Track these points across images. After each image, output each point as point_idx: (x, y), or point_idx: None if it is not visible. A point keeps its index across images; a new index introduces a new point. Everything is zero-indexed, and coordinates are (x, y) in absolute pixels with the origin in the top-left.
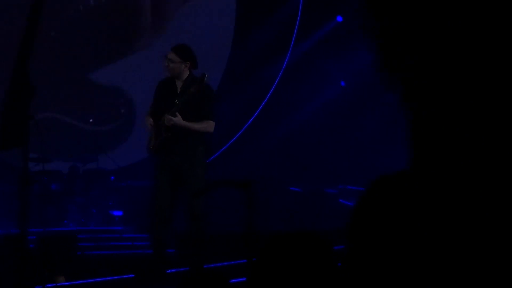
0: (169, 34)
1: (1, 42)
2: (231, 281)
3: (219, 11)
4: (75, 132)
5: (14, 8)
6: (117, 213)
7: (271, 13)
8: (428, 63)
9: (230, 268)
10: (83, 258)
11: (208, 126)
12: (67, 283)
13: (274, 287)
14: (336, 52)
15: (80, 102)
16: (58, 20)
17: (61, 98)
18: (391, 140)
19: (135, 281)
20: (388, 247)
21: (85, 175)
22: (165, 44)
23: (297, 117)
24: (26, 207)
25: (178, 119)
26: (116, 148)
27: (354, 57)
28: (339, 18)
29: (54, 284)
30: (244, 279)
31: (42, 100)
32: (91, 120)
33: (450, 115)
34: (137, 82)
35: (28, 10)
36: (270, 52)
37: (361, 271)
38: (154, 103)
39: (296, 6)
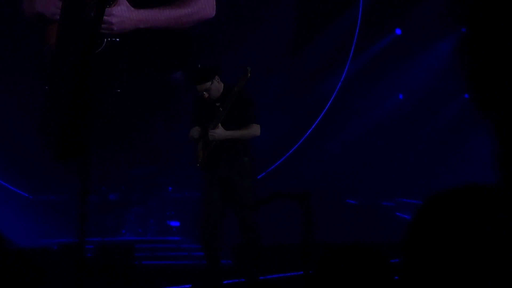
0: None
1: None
2: None
3: (278, 22)
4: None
5: None
6: (174, 223)
7: (330, 25)
8: None
9: (286, 280)
10: (140, 268)
11: (254, 130)
12: None
13: None
14: (395, 65)
15: None
16: None
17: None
18: (449, 154)
19: None
20: (445, 262)
21: (143, 186)
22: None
23: (354, 129)
24: (84, 217)
25: (219, 132)
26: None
27: (412, 69)
28: (398, 31)
29: None
30: None
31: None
32: None
33: None
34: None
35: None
36: (329, 64)
37: (417, 286)
38: (195, 116)
39: (355, 18)
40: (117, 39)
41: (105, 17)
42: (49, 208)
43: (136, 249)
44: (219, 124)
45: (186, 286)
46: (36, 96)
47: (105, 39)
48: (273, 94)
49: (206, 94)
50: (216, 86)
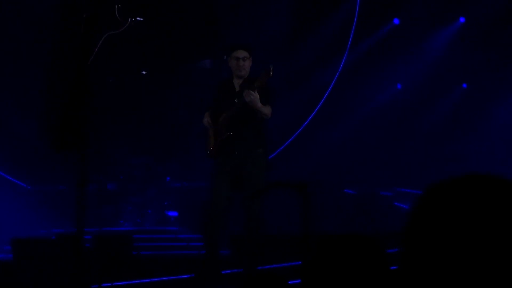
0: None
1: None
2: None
3: (276, 13)
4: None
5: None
6: (173, 213)
7: (328, 16)
8: None
9: (285, 270)
10: (138, 258)
11: (267, 109)
12: (123, 282)
13: None
14: (393, 55)
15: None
16: None
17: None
18: (447, 143)
19: (190, 281)
20: (444, 253)
21: (141, 176)
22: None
23: (353, 120)
24: (82, 207)
25: (257, 96)
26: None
27: (410, 59)
28: (396, 21)
29: (110, 284)
30: (299, 281)
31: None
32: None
33: None
34: (195, 87)
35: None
36: (327, 54)
37: (416, 276)
38: (213, 103)
39: (353, 8)
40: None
41: (250, 91)
42: (47, 199)
43: (134, 239)
44: (256, 90)
45: (185, 276)
46: (35, 88)
47: (130, 19)
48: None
49: (242, 62)
50: (249, 65)
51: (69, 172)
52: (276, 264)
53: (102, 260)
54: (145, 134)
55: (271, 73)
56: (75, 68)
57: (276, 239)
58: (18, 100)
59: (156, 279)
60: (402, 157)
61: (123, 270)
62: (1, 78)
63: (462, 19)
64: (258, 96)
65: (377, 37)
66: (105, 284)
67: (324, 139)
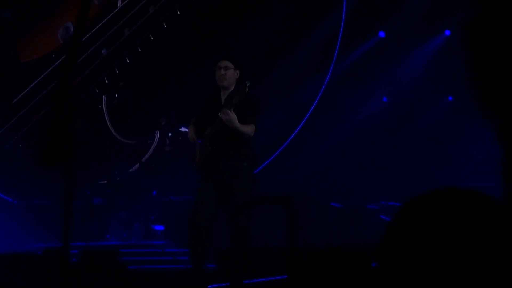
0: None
1: None
2: None
3: (263, 25)
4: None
5: None
6: (159, 227)
7: (313, 29)
8: None
9: (271, 284)
10: (125, 272)
11: (250, 129)
12: None
13: None
14: (378, 68)
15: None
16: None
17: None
18: (433, 156)
19: None
20: (422, 264)
21: (127, 190)
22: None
23: (339, 133)
24: (69, 222)
25: (234, 116)
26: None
27: (396, 72)
28: (382, 34)
29: None
30: None
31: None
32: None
33: None
34: (180, 99)
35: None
36: (312, 67)
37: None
38: (199, 115)
39: (339, 21)
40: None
41: (227, 110)
42: (33, 213)
43: (121, 253)
44: (232, 110)
45: None
46: (21, 103)
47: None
48: (256, 98)
49: (222, 71)
50: (233, 75)
51: (55, 186)
52: (262, 278)
53: (88, 274)
54: (131, 147)
55: (247, 90)
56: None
57: (262, 253)
58: (4, 115)
59: None
60: (388, 170)
61: (110, 285)
62: None
63: (447, 32)
64: (235, 116)
65: (362, 50)
66: None
67: (310, 153)
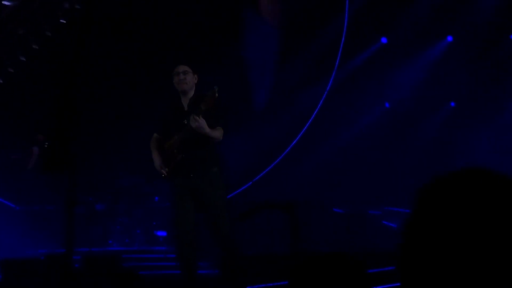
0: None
1: None
2: None
3: (264, 31)
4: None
5: None
6: (161, 233)
7: (316, 35)
8: None
9: None
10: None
11: (218, 133)
12: None
13: None
14: (381, 74)
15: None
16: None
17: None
18: (435, 162)
19: None
20: (444, 248)
21: (129, 196)
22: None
23: (341, 139)
24: (71, 228)
25: (204, 122)
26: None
27: (398, 78)
28: (384, 40)
29: None
30: None
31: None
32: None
33: None
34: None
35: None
36: (315, 73)
37: (415, 271)
38: (161, 126)
39: (341, 27)
40: None
41: (196, 116)
42: (36, 219)
43: (123, 259)
44: (200, 116)
45: None
46: (24, 109)
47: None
48: (260, 103)
49: (182, 76)
50: (193, 80)
51: (57, 192)
52: (264, 283)
53: (90, 280)
54: (134, 154)
55: (217, 94)
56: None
57: (264, 258)
58: (7, 122)
59: None
60: (390, 176)
61: None
62: None
63: (449, 38)
64: (204, 121)
65: (365, 56)
66: None
67: (312, 158)
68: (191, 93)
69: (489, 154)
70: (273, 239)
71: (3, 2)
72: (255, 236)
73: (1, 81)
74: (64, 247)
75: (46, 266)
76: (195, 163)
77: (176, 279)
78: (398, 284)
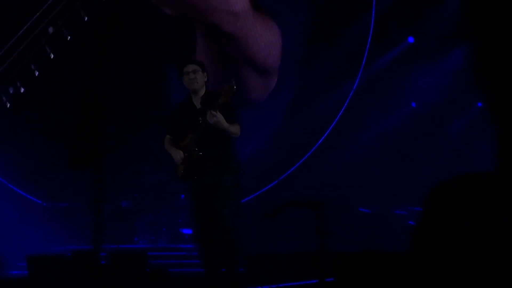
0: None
1: None
2: None
3: (290, 30)
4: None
5: None
6: (187, 231)
7: (342, 34)
8: None
9: None
10: (153, 275)
11: (237, 128)
12: None
13: None
14: (407, 73)
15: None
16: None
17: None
18: (461, 162)
19: None
20: (453, 248)
21: (155, 194)
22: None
23: (367, 138)
24: (99, 225)
25: (222, 117)
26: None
27: (425, 78)
28: (411, 39)
29: None
30: None
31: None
32: None
33: None
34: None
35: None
36: (342, 72)
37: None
38: (173, 126)
39: (368, 26)
40: None
41: (213, 112)
42: (63, 215)
43: (149, 256)
44: (217, 111)
45: None
46: (51, 105)
47: None
48: (285, 102)
49: (192, 75)
50: (203, 78)
51: (84, 189)
52: (292, 282)
53: (116, 277)
54: (160, 151)
55: (235, 87)
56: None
57: (291, 256)
58: (35, 118)
59: None
60: (417, 176)
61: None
62: (21, 97)
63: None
64: (222, 116)
65: (392, 55)
66: None
67: (338, 158)
68: (202, 91)
69: None
70: (299, 237)
71: None
72: (281, 234)
73: (37, 73)
74: (91, 244)
75: (72, 263)
76: (213, 162)
77: (201, 277)
78: None
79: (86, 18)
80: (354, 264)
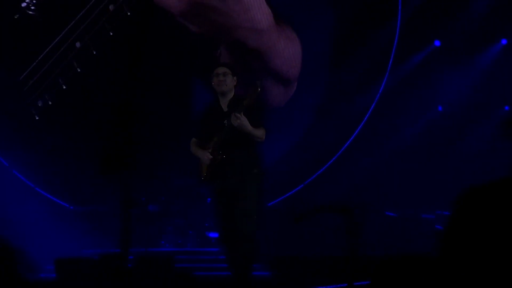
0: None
1: None
2: None
3: (315, 36)
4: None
5: None
6: (214, 234)
7: (368, 37)
8: None
9: None
10: (180, 278)
11: (262, 133)
12: None
13: None
14: (434, 77)
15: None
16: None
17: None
18: (489, 166)
19: None
20: (482, 252)
21: (182, 197)
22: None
23: (394, 141)
24: (128, 228)
25: (246, 120)
26: None
27: (451, 81)
28: (437, 43)
29: None
30: None
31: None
32: None
33: None
34: None
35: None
36: (367, 76)
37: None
38: (200, 129)
39: (394, 30)
40: None
41: (237, 114)
42: (90, 219)
43: (176, 260)
44: (242, 113)
45: None
46: (82, 110)
47: None
48: (312, 106)
49: (221, 77)
50: (232, 81)
51: (111, 192)
52: (321, 286)
53: (143, 280)
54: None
55: (259, 89)
56: (121, 92)
57: (320, 261)
58: (62, 122)
59: None
60: (444, 180)
61: None
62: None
63: (504, 41)
64: (246, 119)
65: (418, 59)
66: None
67: (365, 161)
68: (230, 95)
69: None
70: (327, 241)
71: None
72: (309, 237)
73: (64, 87)
74: (119, 247)
75: (100, 266)
76: (235, 164)
77: (228, 280)
78: None
79: (111, 33)
80: (387, 268)
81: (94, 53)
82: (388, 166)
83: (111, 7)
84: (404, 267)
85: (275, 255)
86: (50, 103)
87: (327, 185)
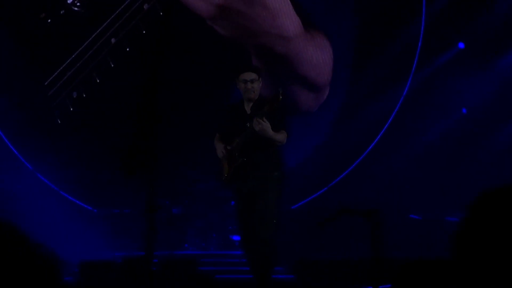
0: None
1: None
2: None
3: (338, 36)
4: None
5: None
6: (237, 237)
7: (392, 39)
8: None
9: None
10: (204, 282)
11: (283, 136)
12: None
13: None
14: (458, 79)
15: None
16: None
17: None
18: None
19: None
20: (496, 257)
21: (205, 200)
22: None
23: (417, 144)
24: (152, 232)
25: (268, 125)
26: None
27: (475, 84)
28: (461, 45)
29: None
30: None
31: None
32: None
33: None
34: None
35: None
36: (391, 78)
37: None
38: (223, 127)
39: (418, 32)
40: None
41: (259, 119)
42: (114, 222)
43: (199, 263)
44: (264, 118)
45: None
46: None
47: None
48: (335, 109)
49: (250, 85)
50: (259, 86)
51: (135, 195)
52: None
53: (167, 283)
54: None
55: (281, 97)
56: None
57: (343, 264)
58: (87, 126)
59: None
60: (468, 183)
61: None
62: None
63: None
64: (268, 124)
65: (442, 61)
66: None
67: (388, 164)
68: (256, 97)
69: None
70: (351, 244)
71: None
72: (333, 240)
73: (85, 95)
74: (143, 250)
75: (123, 269)
76: (256, 167)
77: (250, 283)
78: None
79: (144, 32)
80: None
81: (127, 49)
82: (412, 169)
83: (145, 6)
84: (426, 271)
85: (299, 258)
86: (84, 95)
87: (351, 187)
